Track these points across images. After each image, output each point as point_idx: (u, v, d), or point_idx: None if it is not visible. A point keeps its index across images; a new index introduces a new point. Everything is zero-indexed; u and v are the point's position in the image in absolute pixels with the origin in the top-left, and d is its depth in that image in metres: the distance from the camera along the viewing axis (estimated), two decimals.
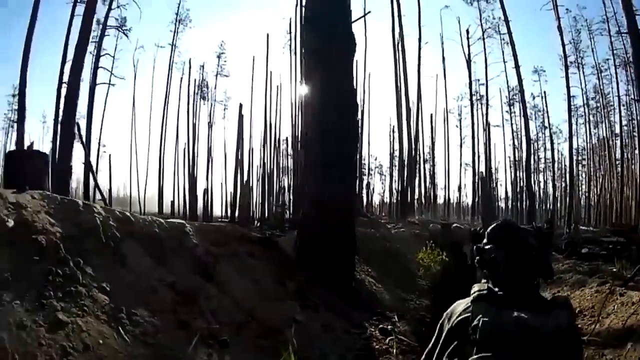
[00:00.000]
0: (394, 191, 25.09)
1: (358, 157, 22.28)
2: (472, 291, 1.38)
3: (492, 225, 1.46)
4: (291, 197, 18.49)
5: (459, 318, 1.36)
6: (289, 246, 4.41)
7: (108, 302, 2.07)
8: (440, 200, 32.04)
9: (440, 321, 1.49)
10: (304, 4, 4.96)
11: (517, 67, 16.40)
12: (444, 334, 1.41)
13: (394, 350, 3.45)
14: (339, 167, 4.40)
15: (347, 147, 4.53)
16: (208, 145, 26.72)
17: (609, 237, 13.44)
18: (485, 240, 1.49)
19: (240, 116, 21.27)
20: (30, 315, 1.72)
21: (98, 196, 9.58)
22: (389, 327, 3.86)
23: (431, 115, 29.09)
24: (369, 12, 9.01)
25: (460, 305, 1.41)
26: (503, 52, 26.33)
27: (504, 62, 26.57)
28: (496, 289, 1.34)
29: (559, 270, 6.68)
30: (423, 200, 25.49)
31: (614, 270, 7.72)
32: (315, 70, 4.58)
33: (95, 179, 9.53)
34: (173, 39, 26.01)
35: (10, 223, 1.91)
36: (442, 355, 1.40)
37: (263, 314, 2.96)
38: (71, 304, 1.90)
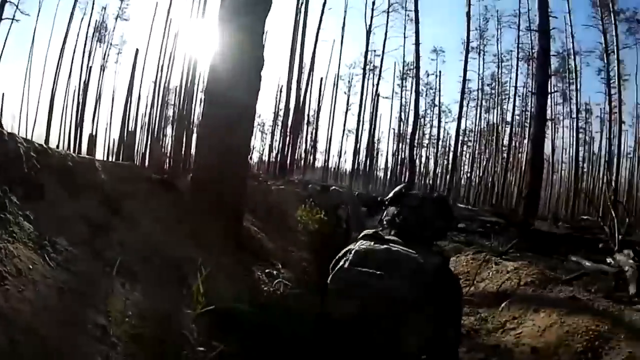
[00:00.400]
0: (274, 150, 25.74)
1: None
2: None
3: (396, 190, 1.96)
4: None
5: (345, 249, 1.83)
6: (186, 188, 4.64)
7: (33, 230, 2.20)
8: (319, 165, 33.55)
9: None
10: None
11: (417, 43, 17.50)
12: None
13: (280, 292, 3.96)
14: (238, 116, 4.66)
15: (249, 99, 4.79)
16: (98, 90, 25.04)
17: (488, 216, 15.12)
18: (388, 200, 1.99)
19: (135, 62, 20.14)
20: None
21: None
22: (275, 272, 4.36)
23: (321, 79, 29.95)
24: None
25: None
26: (405, 27, 27.79)
27: (404, 37, 28.11)
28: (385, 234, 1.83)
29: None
30: (303, 162, 26.50)
31: (491, 244, 8.96)
32: (229, 20, 4.71)
33: None
34: None
35: None
36: None
37: (165, 250, 3.22)
38: (2, 231, 2.02)
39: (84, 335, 1.95)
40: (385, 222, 1.93)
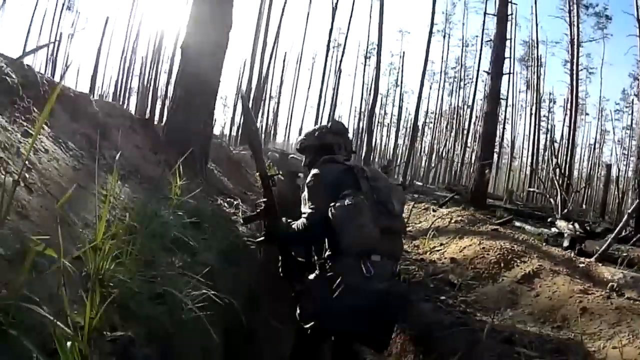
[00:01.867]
0: (235, 123, 26.16)
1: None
2: None
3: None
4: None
5: None
6: (161, 130, 5.39)
7: (51, 132, 2.96)
8: (281, 139, 34.14)
9: None
10: None
11: (380, 23, 17.57)
12: None
13: (240, 215, 4.81)
14: (207, 77, 5.42)
15: (216, 60, 5.55)
16: (65, 57, 24.98)
17: (443, 192, 15.72)
18: None
19: (104, 30, 20.42)
20: (9, 125, 2.56)
21: None
22: (234, 202, 5.20)
23: (285, 54, 30.25)
24: None
25: None
26: (371, 6, 27.94)
27: (370, 16, 28.30)
28: None
29: None
30: (264, 135, 27.05)
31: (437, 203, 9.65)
32: None
33: None
34: None
35: None
36: None
37: (145, 170, 4.01)
38: (31, 126, 2.77)
39: (93, 196, 2.74)
40: None
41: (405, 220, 7.33)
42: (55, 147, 2.83)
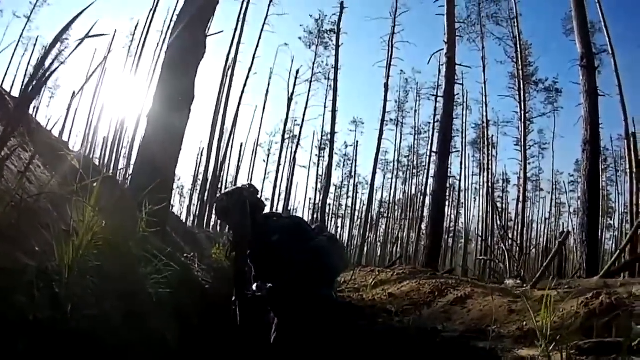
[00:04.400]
0: (191, 215, 25.91)
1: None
2: None
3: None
4: None
5: None
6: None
7: None
8: None
9: None
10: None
11: (333, 110, 18.21)
12: None
13: (195, 267, 4.96)
14: (169, 146, 5.78)
15: (177, 134, 5.96)
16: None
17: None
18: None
19: (69, 106, 21.06)
20: None
21: None
22: (191, 259, 5.37)
23: (241, 144, 30.31)
24: (222, 31, 10.51)
25: None
26: (326, 97, 27.90)
27: (325, 107, 28.43)
28: None
29: None
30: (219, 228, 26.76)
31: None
32: (167, 69, 5.93)
33: None
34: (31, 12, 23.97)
35: None
36: None
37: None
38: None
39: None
40: None
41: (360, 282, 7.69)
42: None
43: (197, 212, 21.99)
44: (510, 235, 16.66)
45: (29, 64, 25.95)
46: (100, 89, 24.33)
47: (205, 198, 20.15)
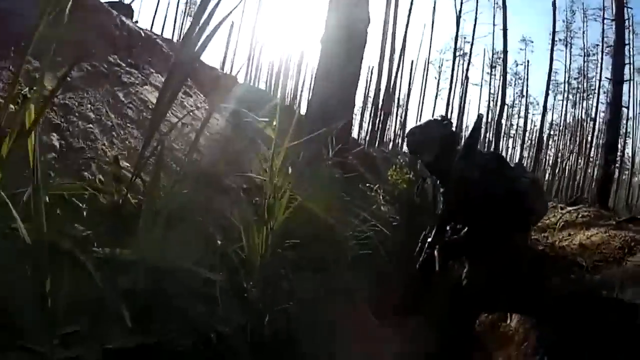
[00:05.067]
0: (364, 132, 26.27)
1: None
2: None
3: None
4: None
5: None
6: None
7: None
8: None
9: None
10: None
11: (504, 30, 17.19)
12: None
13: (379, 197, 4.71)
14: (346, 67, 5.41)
15: (355, 51, 5.53)
16: None
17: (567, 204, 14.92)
18: None
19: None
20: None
21: None
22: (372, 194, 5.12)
23: (412, 62, 29.79)
24: None
25: None
26: (494, 15, 27.04)
27: (494, 24, 27.37)
28: None
29: None
30: (392, 144, 26.84)
31: None
32: None
33: None
34: None
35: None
36: None
37: None
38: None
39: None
40: None
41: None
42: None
43: (369, 132, 21.97)
44: None
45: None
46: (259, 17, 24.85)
47: (377, 119, 20.00)
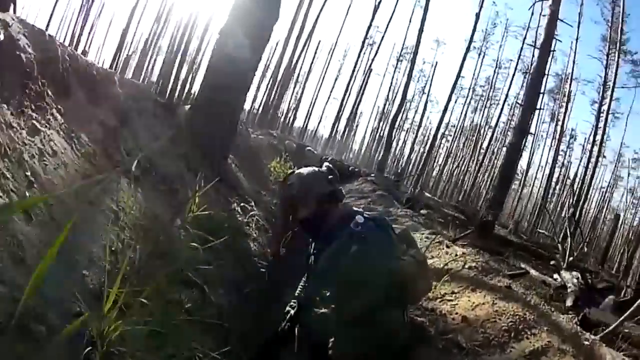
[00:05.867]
0: (258, 102, 25.74)
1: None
2: None
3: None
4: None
5: None
6: (184, 117, 5.00)
7: (63, 122, 2.58)
8: (298, 125, 33.75)
9: None
10: None
11: (421, 29, 17.60)
12: None
13: (252, 225, 4.45)
14: (241, 68, 5.00)
15: (254, 55, 5.13)
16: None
17: (450, 210, 15.54)
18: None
19: None
20: (15, 118, 2.17)
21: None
22: (248, 207, 4.83)
23: (319, 42, 29.90)
24: None
25: None
26: (413, 12, 28.00)
27: (410, 20, 28.29)
28: None
29: (397, 214, 7.82)
30: (283, 119, 26.69)
31: (447, 233, 9.48)
32: None
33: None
34: None
35: (1, 37, 2.28)
36: None
37: (162, 166, 3.63)
38: (41, 117, 2.38)
39: (102, 214, 2.37)
40: None
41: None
42: (66, 146, 2.45)
43: (263, 104, 21.49)
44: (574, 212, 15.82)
45: None
46: None
47: (274, 92, 19.61)
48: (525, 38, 26.91)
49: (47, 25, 20.95)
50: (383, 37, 27.72)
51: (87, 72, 3.17)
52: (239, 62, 4.73)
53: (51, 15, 21.99)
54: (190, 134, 4.62)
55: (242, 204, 4.74)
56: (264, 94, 22.37)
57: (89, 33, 23.68)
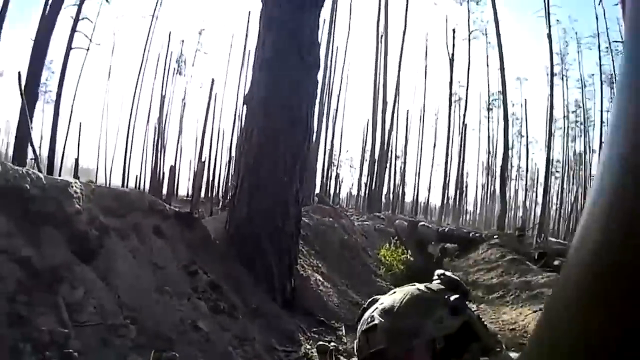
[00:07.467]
0: (363, 185, 24.67)
1: (329, 146, 21.81)
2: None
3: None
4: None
5: None
6: (217, 228, 3.56)
7: None
8: (408, 199, 31.96)
9: None
10: None
11: (502, 69, 16.08)
12: None
13: None
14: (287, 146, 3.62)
15: (298, 115, 3.75)
16: (180, 123, 26.00)
17: None
18: None
19: (211, 93, 20.13)
20: None
21: (31, 155, 8.63)
22: (332, 343, 3.09)
23: (407, 111, 28.85)
24: None
25: None
26: (487, 55, 26.21)
27: (487, 65, 26.41)
28: None
29: (538, 284, 6.39)
30: (391, 197, 25.08)
31: None
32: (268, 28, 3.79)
33: (29, 136, 8.46)
34: (154, 10, 24.71)
35: None
36: None
37: (151, 315, 2.15)
38: None
39: None
40: None
41: None
42: None
43: (368, 191, 20.19)
44: None
45: (167, 56, 26.32)
46: (246, 72, 23.38)
47: (374, 180, 18.43)
48: (599, 46, 23.21)
49: None
50: (467, 89, 25.95)
51: (12, 186, 1.90)
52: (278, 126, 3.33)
53: None
54: (228, 251, 3.15)
55: (320, 342, 3.05)
56: (367, 175, 21.32)
57: None
